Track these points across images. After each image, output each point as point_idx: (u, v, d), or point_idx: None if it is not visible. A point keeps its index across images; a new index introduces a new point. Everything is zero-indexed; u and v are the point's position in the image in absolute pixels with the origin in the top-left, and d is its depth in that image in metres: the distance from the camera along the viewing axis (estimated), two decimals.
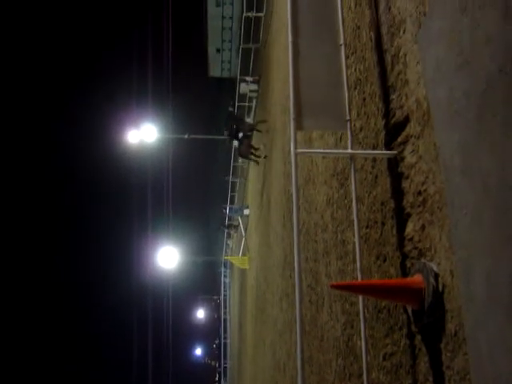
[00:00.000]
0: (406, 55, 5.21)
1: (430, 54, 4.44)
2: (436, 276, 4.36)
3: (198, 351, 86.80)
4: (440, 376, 4.36)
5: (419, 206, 4.80)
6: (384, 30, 5.91)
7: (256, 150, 21.17)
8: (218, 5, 44.78)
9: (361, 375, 6.15)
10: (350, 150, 5.47)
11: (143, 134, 35.95)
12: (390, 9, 5.73)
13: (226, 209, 38.52)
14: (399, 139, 5.29)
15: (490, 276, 3.44)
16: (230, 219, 39.71)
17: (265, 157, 20.11)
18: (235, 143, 22.95)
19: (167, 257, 41.72)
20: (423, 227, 4.71)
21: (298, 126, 5.35)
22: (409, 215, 5.03)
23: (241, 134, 20.49)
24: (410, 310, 4.90)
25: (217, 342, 67.72)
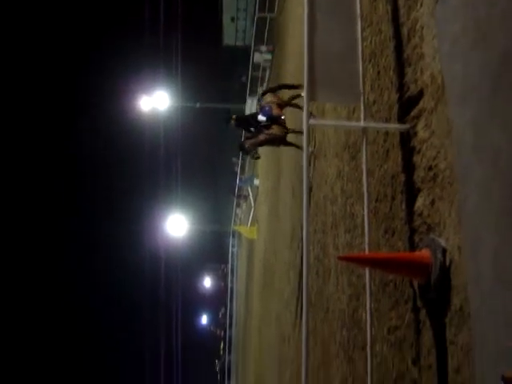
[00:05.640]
0: (422, 29, 5.15)
1: (447, 29, 4.39)
2: (444, 251, 4.36)
3: (204, 320, 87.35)
4: (443, 351, 4.38)
5: (430, 181, 4.79)
6: (401, 2, 5.84)
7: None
8: None
9: (364, 347, 6.19)
10: (362, 123, 5.44)
11: (155, 101, 35.94)
12: None
13: (236, 161, 38.32)
14: (412, 113, 5.26)
15: (497, 253, 3.45)
16: (239, 189, 39.74)
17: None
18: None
19: (176, 225, 42.00)
20: (433, 202, 4.70)
21: (312, 97, 5.32)
22: (419, 190, 5.01)
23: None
24: (416, 285, 4.92)
25: (222, 311, 68.12)
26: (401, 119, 5.61)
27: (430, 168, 4.78)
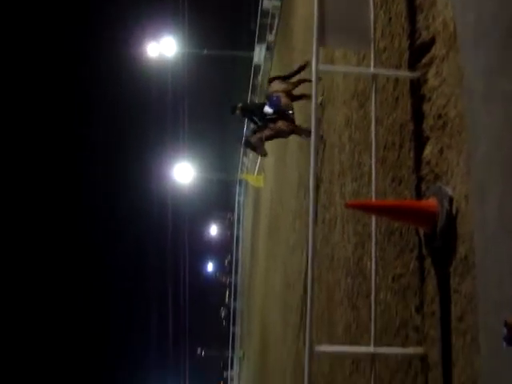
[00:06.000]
0: None
1: None
2: (450, 200, 4.35)
3: (210, 267, 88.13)
4: (447, 299, 4.42)
5: (439, 130, 4.75)
6: None
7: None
8: None
9: (368, 295, 6.24)
10: (372, 69, 5.37)
11: (163, 47, 35.63)
12: None
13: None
14: (423, 61, 5.19)
15: (504, 202, 3.44)
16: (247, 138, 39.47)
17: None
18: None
19: (183, 172, 42.14)
20: (441, 151, 4.67)
21: (322, 42, 5.25)
22: (427, 138, 4.98)
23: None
24: (421, 233, 4.93)
25: (228, 258, 68.66)
26: (411, 67, 5.53)
27: (440, 116, 4.73)
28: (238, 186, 53.45)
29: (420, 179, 5.11)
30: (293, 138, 16.57)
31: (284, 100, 11.17)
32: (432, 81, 4.95)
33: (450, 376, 4.30)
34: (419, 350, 4.90)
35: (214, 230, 78.74)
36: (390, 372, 5.73)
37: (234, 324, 53.24)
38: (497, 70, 3.58)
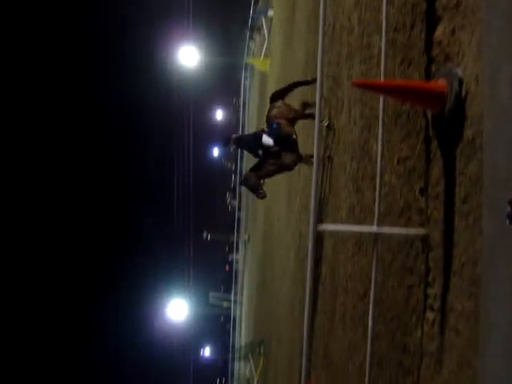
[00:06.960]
0: None
1: None
2: (460, 82, 4.29)
3: (215, 152, 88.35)
4: (452, 181, 4.45)
5: (452, 9, 4.61)
6: None
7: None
8: None
9: (373, 178, 6.29)
10: None
11: None
12: None
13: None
14: None
15: None
16: (253, 20, 38.64)
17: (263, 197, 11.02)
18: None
19: (188, 56, 41.65)
20: (453, 31, 4.56)
21: None
22: (440, 18, 4.84)
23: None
24: (429, 115, 4.90)
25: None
26: None
27: None
28: (243, 71, 52.78)
29: (430, 61, 5.01)
30: (299, 13, 16.23)
31: (286, 128, 10.28)
32: None
33: (451, 256, 4.39)
34: (421, 230, 4.98)
35: (219, 115, 78.43)
36: (392, 253, 5.85)
37: (239, 209, 54.05)
38: None
